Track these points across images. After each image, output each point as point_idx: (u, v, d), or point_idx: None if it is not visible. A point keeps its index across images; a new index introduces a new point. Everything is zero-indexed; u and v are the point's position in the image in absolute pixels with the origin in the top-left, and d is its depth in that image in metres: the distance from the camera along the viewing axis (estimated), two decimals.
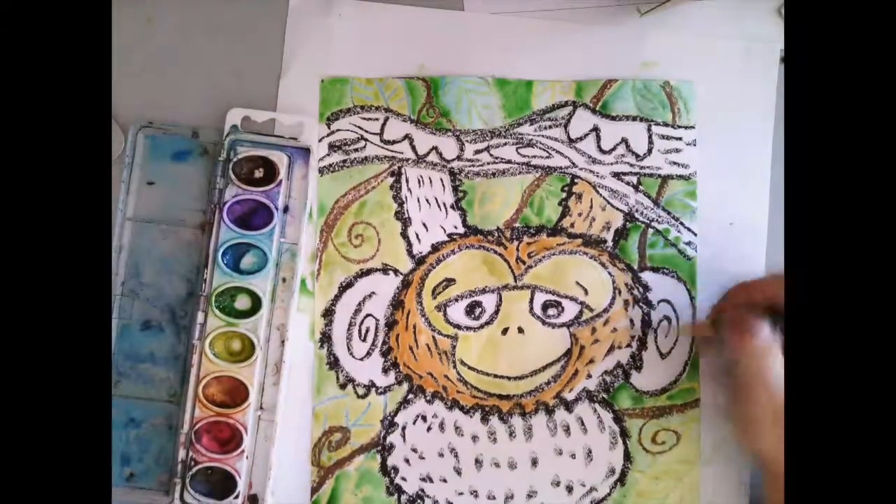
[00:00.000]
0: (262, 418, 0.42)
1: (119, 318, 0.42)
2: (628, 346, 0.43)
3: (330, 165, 0.44)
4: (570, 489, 0.43)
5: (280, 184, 0.43)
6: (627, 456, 0.43)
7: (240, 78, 0.44)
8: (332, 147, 0.44)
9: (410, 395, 0.43)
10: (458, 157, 0.44)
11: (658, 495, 0.43)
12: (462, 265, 0.44)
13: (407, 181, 0.44)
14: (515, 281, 0.43)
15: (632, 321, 0.43)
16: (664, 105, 0.44)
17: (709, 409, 0.43)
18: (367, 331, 0.43)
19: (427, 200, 0.44)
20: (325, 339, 0.43)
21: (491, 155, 0.44)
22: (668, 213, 0.44)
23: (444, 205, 0.44)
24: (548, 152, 0.44)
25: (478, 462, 0.43)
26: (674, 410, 0.43)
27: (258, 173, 0.43)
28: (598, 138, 0.44)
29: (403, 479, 0.43)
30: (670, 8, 0.44)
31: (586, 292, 0.43)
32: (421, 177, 0.44)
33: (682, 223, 0.44)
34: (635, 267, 0.44)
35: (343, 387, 0.43)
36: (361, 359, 0.43)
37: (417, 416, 0.43)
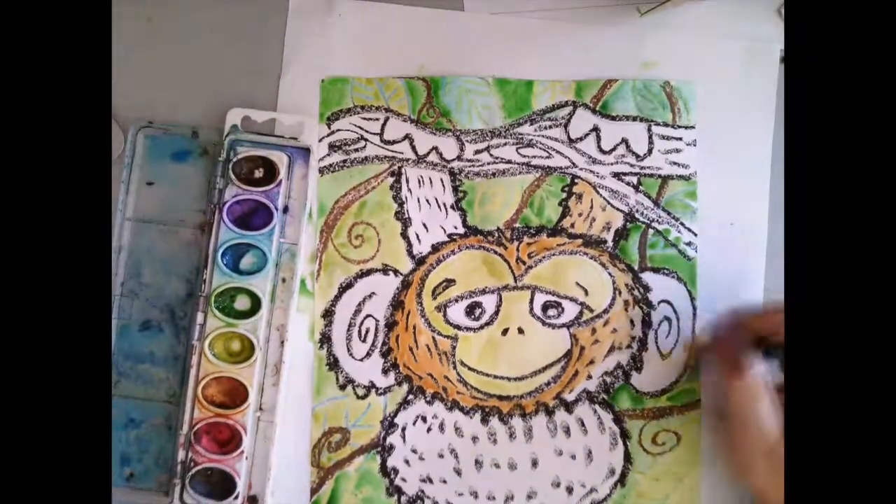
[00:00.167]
0: (262, 419, 0.42)
1: (119, 318, 0.42)
2: (629, 346, 0.43)
3: (330, 165, 0.44)
4: (570, 490, 0.43)
5: (280, 184, 0.43)
6: (627, 457, 0.43)
7: (240, 78, 0.44)
8: (333, 147, 0.44)
9: (410, 396, 0.43)
10: (459, 158, 0.44)
11: (658, 496, 0.43)
12: (462, 265, 0.43)
13: (407, 181, 0.44)
14: (515, 281, 0.43)
15: (632, 322, 0.43)
16: (664, 105, 0.44)
17: (709, 411, 0.43)
18: (367, 331, 0.43)
19: (427, 201, 0.44)
20: (325, 339, 0.43)
21: (491, 155, 0.44)
22: (669, 214, 0.44)
23: (445, 205, 0.44)
24: (548, 152, 0.44)
25: (478, 463, 0.43)
26: (674, 411, 0.43)
27: (258, 173, 0.43)
28: (599, 138, 0.44)
29: (403, 479, 0.43)
30: (670, 8, 0.44)
31: (586, 293, 0.43)
32: (421, 177, 0.44)
33: (682, 223, 0.44)
34: (636, 267, 0.44)
35: (343, 387, 0.43)
36: (361, 359, 0.43)
37: (417, 417, 0.43)
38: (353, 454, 0.43)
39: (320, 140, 0.44)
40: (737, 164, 0.44)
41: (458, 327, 0.43)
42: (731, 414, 0.39)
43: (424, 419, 0.43)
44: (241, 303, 0.42)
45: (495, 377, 0.43)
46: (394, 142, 0.44)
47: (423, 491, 0.43)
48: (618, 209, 0.44)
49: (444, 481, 0.43)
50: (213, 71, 0.44)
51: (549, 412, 0.43)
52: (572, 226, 0.44)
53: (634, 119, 0.44)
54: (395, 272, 0.43)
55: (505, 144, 0.44)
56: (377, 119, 0.44)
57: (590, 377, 0.43)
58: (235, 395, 0.42)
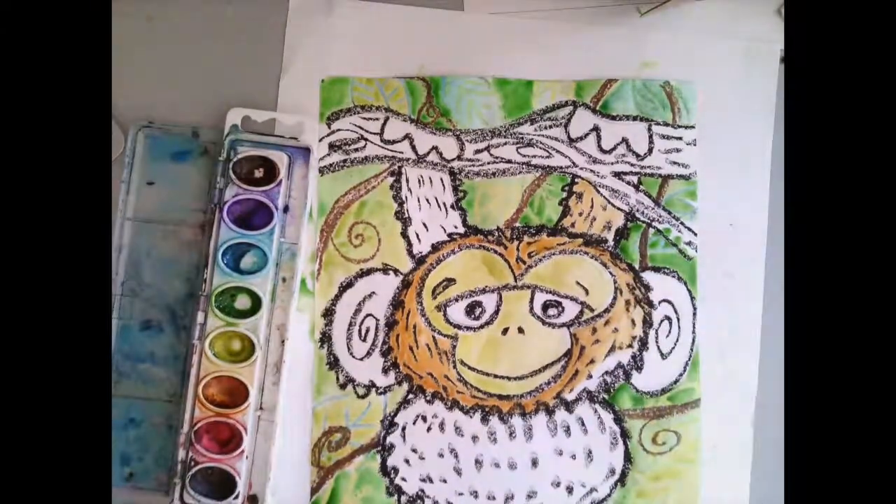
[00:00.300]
0: (262, 418, 0.42)
1: (119, 318, 0.42)
2: (629, 346, 0.43)
3: (330, 165, 0.44)
4: (570, 490, 0.43)
5: (280, 184, 0.43)
6: (628, 456, 0.43)
7: (240, 78, 0.44)
8: (333, 147, 0.44)
9: (410, 396, 0.43)
10: (459, 157, 0.44)
11: (658, 496, 0.43)
12: (462, 265, 0.44)
13: (407, 181, 0.44)
14: (515, 281, 0.43)
15: (633, 321, 0.43)
16: (664, 105, 0.44)
17: (709, 410, 0.43)
18: (367, 331, 0.43)
19: (427, 200, 0.44)
20: (325, 338, 0.43)
21: (491, 155, 0.44)
22: (669, 213, 0.44)
23: (445, 205, 0.44)
24: (548, 152, 0.44)
25: (478, 462, 0.43)
26: (674, 411, 0.43)
27: (258, 173, 0.43)
28: (599, 138, 0.44)
29: (403, 479, 0.43)
30: (670, 8, 0.44)
31: (587, 292, 0.43)
32: (421, 177, 0.44)
33: (682, 223, 0.44)
34: (637, 267, 0.44)
35: (343, 387, 0.43)
36: (361, 359, 0.43)
37: (417, 417, 0.43)
38: (354, 453, 0.43)
39: (320, 140, 0.44)
40: (737, 164, 0.44)
41: (458, 327, 0.43)
42: None
43: (424, 418, 0.43)
44: (242, 302, 0.42)
45: (495, 376, 0.43)
46: (394, 141, 0.44)
47: (423, 490, 0.43)
48: (618, 208, 0.44)
49: (444, 481, 0.43)
50: (213, 71, 0.44)
51: (550, 412, 0.43)
52: (573, 225, 0.44)
53: (634, 119, 0.44)
54: (396, 271, 0.44)
55: (505, 144, 0.44)
56: (377, 119, 0.44)
57: (590, 377, 0.43)
58: (236, 394, 0.42)
